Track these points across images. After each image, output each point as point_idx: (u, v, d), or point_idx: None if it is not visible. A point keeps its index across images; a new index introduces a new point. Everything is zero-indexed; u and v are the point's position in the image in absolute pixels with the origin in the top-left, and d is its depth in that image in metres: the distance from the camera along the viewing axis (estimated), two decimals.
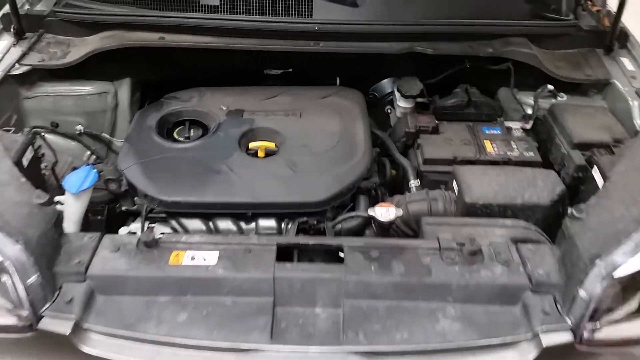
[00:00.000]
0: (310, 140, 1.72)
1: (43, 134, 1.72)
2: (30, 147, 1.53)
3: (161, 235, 1.37)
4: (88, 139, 2.01)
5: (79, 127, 1.98)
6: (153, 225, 1.62)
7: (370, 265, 1.28)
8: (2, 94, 1.81)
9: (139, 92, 2.10)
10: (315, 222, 1.52)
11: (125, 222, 1.70)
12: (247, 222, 1.59)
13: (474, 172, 1.57)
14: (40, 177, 1.60)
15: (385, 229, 1.43)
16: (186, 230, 1.58)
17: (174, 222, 1.60)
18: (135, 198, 1.65)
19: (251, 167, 1.63)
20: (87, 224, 1.62)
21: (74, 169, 1.81)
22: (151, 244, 1.33)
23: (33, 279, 1.20)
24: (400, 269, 1.27)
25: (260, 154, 1.72)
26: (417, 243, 1.34)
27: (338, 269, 1.27)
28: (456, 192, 1.55)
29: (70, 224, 1.55)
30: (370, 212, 1.41)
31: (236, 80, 2.05)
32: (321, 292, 1.26)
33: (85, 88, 1.96)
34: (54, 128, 1.96)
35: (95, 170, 1.56)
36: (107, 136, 2.02)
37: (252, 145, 1.71)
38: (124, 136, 2.01)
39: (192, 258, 1.31)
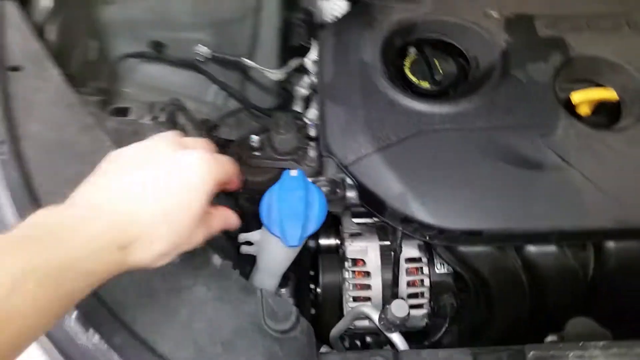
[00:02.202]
0: None
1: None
2: None
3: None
4: (216, 68, 1.17)
5: (204, 50, 1.13)
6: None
7: None
8: None
9: None
10: None
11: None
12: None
13: None
14: None
15: None
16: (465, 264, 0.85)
17: (447, 256, 0.86)
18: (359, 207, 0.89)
19: (596, 150, 0.84)
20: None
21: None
22: None
23: None
24: None
25: (584, 110, 0.91)
26: None
27: None
28: None
29: (269, 277, 0.83)
30: None
31: None
32: None
33: None
34: (157, 52, 1.12)
35: (322, 191, 0.78)
36: (250, 62, 1.17)
37: (577, 96, 0.89)
38: (268, 62, 1.18)
39: None
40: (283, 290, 0.89)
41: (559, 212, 0.79)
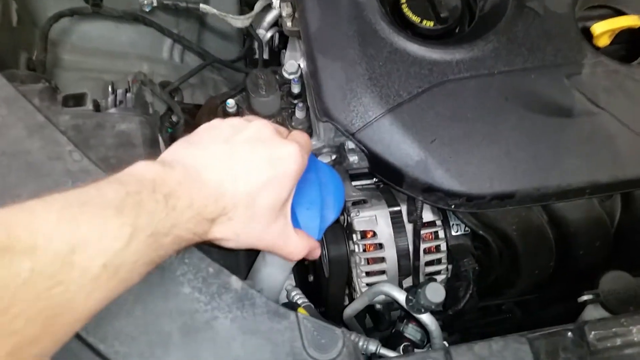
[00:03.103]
0: None
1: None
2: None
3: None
4: (167, 18, 0.98)
5: None
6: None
7: None
8: None
9: None
10: None
11: None
12: None
13: None
14: None
15: None
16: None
17: (469, 220, 0.78)
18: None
19: (626, 88, 0.74)
20: None
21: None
22: None
23: None
24: None
25: (604, 41, 0.81)
26: None
27: None
28: None
29: (281, 272, 0.72)
30: None
31: None
32: None
33: None
34: (94, 6, 0.92)
35: (333, 169, 0.67)
36: (208, 8, 0.98)
37: (599, 26, 0.79)
38: (227, 6, 1.00)
39: None
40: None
41: (593, 163, 0.71)
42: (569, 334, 0.59)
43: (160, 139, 0.61)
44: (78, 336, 0.44)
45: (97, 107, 0.59)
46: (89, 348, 0.44)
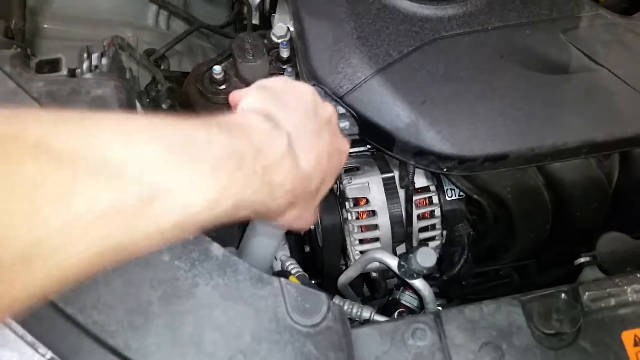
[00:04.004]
0: None
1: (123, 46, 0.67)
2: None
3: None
4: None
5: None
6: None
7: None
8: None
9: None
10: None
11: None
12: None
13: None
14: None
15: None
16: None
17: (462, 183, 0.76)
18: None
19: (626, 42, 0.71)
20: None
21: None
22: None
23: None
24: None
25: None
26: None
27: None
28: None
29: (271, 238, 0.71)
30: None
31: None
32: None
33: None
34: None
35: None
36: None
37: None
38: None
39: None
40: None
41: (590, 121, 0.69)
42: (563, 295, 0.57)
43: (138, 104, 0.59)
44: (55, 306, 0.43)
45: (72, 73, 0.57)
46: (67, 318, 0.43)
